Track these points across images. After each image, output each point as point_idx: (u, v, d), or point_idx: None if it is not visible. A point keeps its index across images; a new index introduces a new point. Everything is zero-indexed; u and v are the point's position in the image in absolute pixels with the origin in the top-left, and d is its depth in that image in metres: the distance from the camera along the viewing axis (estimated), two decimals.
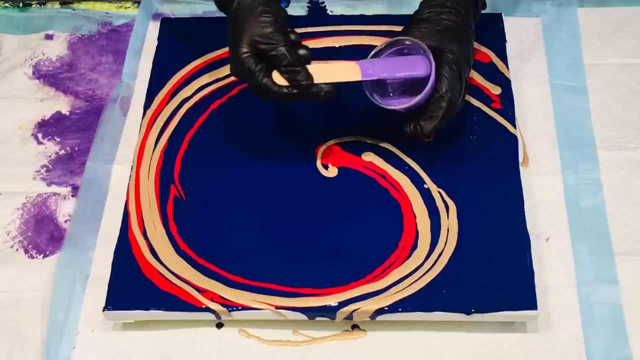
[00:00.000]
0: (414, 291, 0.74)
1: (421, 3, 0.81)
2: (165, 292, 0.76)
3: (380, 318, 0.74)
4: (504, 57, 0.89)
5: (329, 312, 0.74)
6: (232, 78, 0.89)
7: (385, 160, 0.83)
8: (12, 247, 0.83)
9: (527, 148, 0.85)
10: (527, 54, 0.92)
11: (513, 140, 0.83)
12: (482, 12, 0.94)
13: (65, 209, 0.85)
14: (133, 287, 0.76)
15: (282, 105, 0.86)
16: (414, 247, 0.77)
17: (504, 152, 0.82)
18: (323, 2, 0.99)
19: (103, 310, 0.75)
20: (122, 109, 0.91)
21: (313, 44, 0.91)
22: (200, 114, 0.87)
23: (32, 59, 0.96)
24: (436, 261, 0.76)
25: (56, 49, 0.97)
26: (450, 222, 0.78)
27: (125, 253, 0.78)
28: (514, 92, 0.86)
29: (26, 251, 0.82)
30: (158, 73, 0.91)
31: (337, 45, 0.91)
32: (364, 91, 0.80)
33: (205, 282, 0.76)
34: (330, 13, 0.98)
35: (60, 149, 0.89)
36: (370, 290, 0.75)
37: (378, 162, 0.83)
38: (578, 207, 0.81)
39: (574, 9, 0.95)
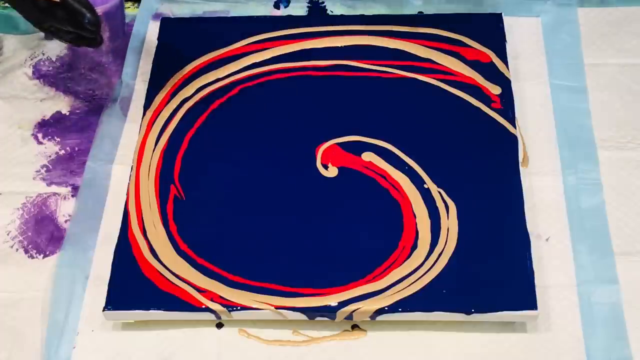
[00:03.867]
0: (414, 291, 0.74)
1: None
2: (165, 292, 0.76)
3: (380, 318, 0.74)
4: (504, 57, 0.89)
5: (329, 312, 0.74)
6: (232, 78, 0.90)
7: (385, 160, 0.83)
8: (12, 247, 0.83)
9: (527, 148, 0.85)
10: (527, 54, 0.92)
11: (513, 140, 0.83)
12: (482, 12, 0.94)
13: (65, 209, 0.85)
14: (133, 287, 0.76)
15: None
16: (414, 247, 0.77)
17: (504, 152, 0.82)
18: (323, 2, 0.99)
19: (103, 310, 0.75)
20: (122, 109, 0.91)
21: (313, 44, 0.92)
22: (200, 114, 0.87)
23: (32, 59, 0.96)
24: (436, 261, 0.76)
25: (56, 49, 0.97)
26: (450, 222, 0.78)
27: (125, 253, 0.78)
28: (514, 92, 0.86)
29: (26, 251, 0.82)
30: (158, 73, 0.91)
31: (338, 45, 0.91)
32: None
33: (205, 282, 0.76)
34: (330, 13, 0.98)
35: (60, 149, 0.89)
36: (370, 290, 0.75)
37: (378, 162, 0.83)
38: (578, 207, 0.81)
39: (574, 9, 0.95)
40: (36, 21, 0.81)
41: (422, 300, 0.74)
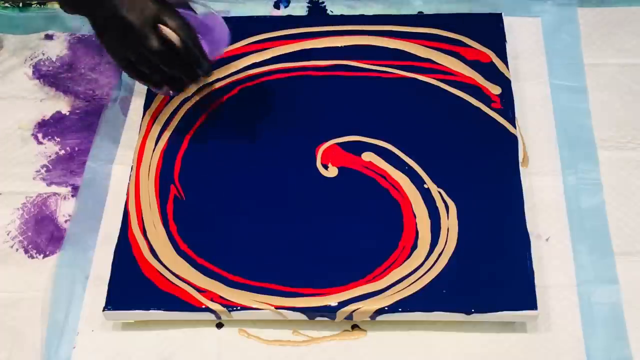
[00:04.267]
0: (414, 291, 0.74)
1: None
2: (165, 292, 0.76)
3: (380, 318, 0.74)
4: (504, 57, 0.89)
5: (329, 312, 0.74)
6: (232, 78, 0.90)
7: (385, 160, 0.83)
8: (12, 247, 0.83)
9: (527, 148, 0.85)
10: (527, 54, 0.92)
11: (513, 140, 0.83)
12: (483, 12, 0.94)
13: (65, 209, 0.85)
14: (133, 287, 0.76)
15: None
16: (414, 247, 0.77)
17: (504, 152, 0.82)
18: (323, 2, 0.99)
19: (103, 310, 0.75)
20: (122, 109, 0.91)
21: (313, 44, 0.92)
22: (200, 114, 0.87)
23: (32, 59, 0.96)
24: (436, 261, 0.76)
25: (56, 49, 0.97)
26: (450, 222, 0.78)
27: (125, 253, 0.78)
28: (514, 92, 0.86)
29: (26, 251, 0.82)
30: None
31: (338, 45, 0.91)
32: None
33: (205, 282, 0.76)
34: (330, 13, 0.98)
35: (60, 149, 0.89)
36: (370, 290, 0.75)
37: (378, 162, 0.83)
38: (578, 207, 0.81)
39: (574, 9, 0.95)
40: (136, 62, 0.76)
41: (422, 300, 0.74)
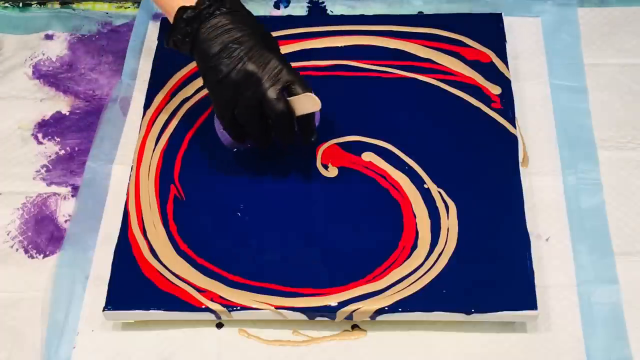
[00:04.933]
0: (414, 291, 0.74)
1: None
2: (165, 292, 0.76)
3: (380, 318, 0.74)
4: (504, 57, 0.89)
5: (329, 312, 0.74)
6: None
7: (385, 160, 0.83)
8: (12, 247, 0.83)
9: (527, 148, 0.85)
10: (527, 54, 0.92)
11: (513, 140, 0.83)
12: (483, 12, 0.94)
13: (65, 209, 0.85)
14: (133, 287, 0.76)
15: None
16: (414, 247, 0.77)
17: (504, 152, 0.82)
18: (323, 2, 0.99)
19: (103, 310, 0.75)
20: (122, 109, 0.91)
21: (313, 44, 0.92)
22: (200, 114, 0.87)
23: (32, 59, 0.96)
24: (436, 261, 0.76)
25: (56, 49, 0.97)
26: (450, 222, 0.78)
27: (125, 253, 0.78)
28: (514, 92, 0.86)
29: (26, 251, 0.82)
30: (158, 73, 0.91)
31: (338, 45, 0.91)
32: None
33: (205, 282, 0.76)
34: (330, 13, 0.98)
35: (60, 149, 0.89)
36: (370, 290, 0.75)
37: (378, 162, 0.83)
38: (578, 207, 0.81)
39: (574, 9, 0.95)
40: (245, 118, 0.76)
41: (422, 300, 0.74)
